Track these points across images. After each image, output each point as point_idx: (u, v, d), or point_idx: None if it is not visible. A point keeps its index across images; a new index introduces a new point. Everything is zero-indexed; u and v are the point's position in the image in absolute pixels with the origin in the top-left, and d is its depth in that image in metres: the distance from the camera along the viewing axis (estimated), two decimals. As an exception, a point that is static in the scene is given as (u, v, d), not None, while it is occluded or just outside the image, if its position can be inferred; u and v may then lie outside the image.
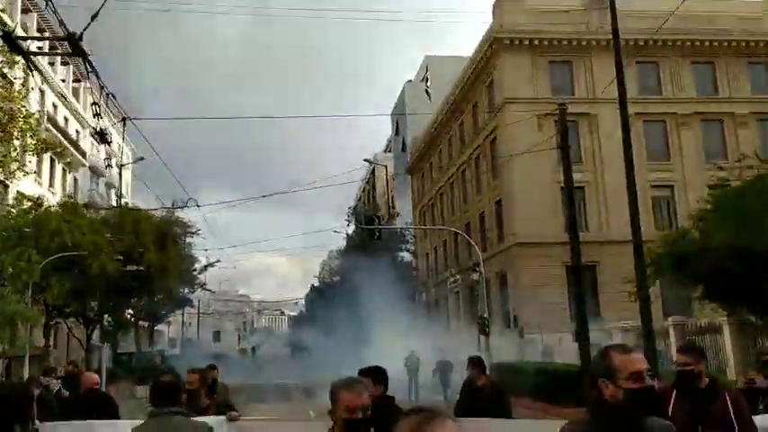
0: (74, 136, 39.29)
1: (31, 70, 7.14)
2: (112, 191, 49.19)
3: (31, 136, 16.15)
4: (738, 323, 18.99)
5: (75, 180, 40.53)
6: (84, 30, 6.17)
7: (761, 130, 35.02)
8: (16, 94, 15.96)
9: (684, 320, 22.03)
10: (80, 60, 6.88)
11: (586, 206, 33.32)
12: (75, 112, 40.20)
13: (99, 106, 7.70)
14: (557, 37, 34.39)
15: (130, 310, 31.95)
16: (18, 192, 24.29)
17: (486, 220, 38.05)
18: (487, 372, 8.01)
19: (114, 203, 47.35)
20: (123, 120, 8.69)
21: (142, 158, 31.68)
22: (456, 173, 43.34)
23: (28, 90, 17.04)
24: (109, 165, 9.47)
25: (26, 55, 6.55)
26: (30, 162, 22.41)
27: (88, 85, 38.61)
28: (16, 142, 16.22)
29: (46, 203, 25.38)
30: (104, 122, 8.50)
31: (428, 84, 52.99)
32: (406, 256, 48.75)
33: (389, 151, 71.59)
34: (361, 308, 40.64)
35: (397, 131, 61.02)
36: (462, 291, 41.16)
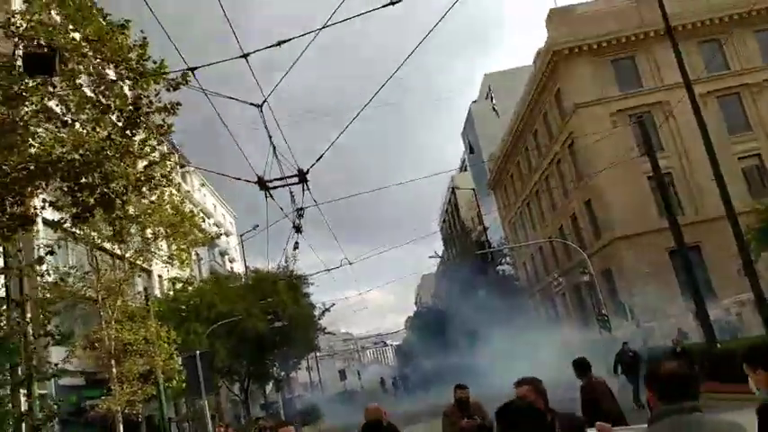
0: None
1: (267, 197, 10.02)
2: (226, 257, 53.85)
3: (199, 231, 19.61)
4: None
5: (197, 253, 44.98)
6: (311, 167, 9.01)
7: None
8: (181, 198, 19.48)
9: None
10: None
11: (677, 191, 34.34)
12: (187, 194, 44.98)
13: (303, 210, 10.59)
14: (614, 36, 35.93)
15: (275, 362, 35.39)
16: (173, 276, 28.13)
17: (578, 221, 39.46)
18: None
19: (228, 267, 51.88)
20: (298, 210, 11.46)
21: (257, 226, 35.46)
22: (539, 181, 44.99)
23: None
24: (297, 246, 11.45)
25: (268, 189, 9.45)
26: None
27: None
28: (188, 238, 19.72)
29: (194, 282, 29.18)
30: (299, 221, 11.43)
31: (493, 101, 55.04)
32: (507, 269, 50.41)
33: (465, 170, 73.79)
34: (472, 324, 42.51)
35: (471, 150, 63.18)
36: (568, 292, 42.51)
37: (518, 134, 47.38)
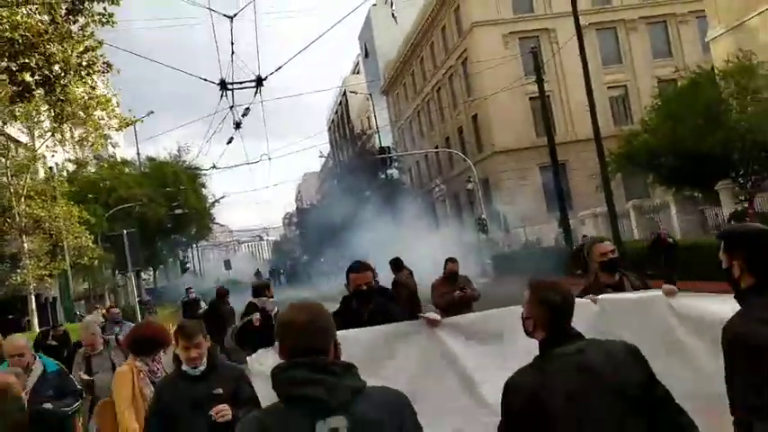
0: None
1: (221, 97, 11.07)
2: (108, 141, 52.15)
3: (115, 117, 19.79)
4: (682, 199, 24.08)
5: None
6: (268, 76, 10.21)
7: (699, 26, 39.37)
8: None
9: (641, 202, 27.18)
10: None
11: (553, 113, 37.82)
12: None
13: (249, 109, 11.78)
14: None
15: (163, 248, 36.08)
16: (66, 159, 27.77)
17: (464, 133, 42.35)
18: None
19: (111, 152, 50.57)
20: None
21: (152, 112, 34.86)
22: (431, 92, 47.13)
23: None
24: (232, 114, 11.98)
25: (227, 90, 10.57)
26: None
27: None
28: (101, 122, 19.87)
29: (89, 165, 28.96)
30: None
31: (393, 7, 55.52)
32: (395, 172, 52.82)
33: (358, 73, 74.33)
34: (355, 222, 44.81)
35: (366, 54, 63.79)
36: (448, 198, 46.01)
37: (415, 44, 48.76)
